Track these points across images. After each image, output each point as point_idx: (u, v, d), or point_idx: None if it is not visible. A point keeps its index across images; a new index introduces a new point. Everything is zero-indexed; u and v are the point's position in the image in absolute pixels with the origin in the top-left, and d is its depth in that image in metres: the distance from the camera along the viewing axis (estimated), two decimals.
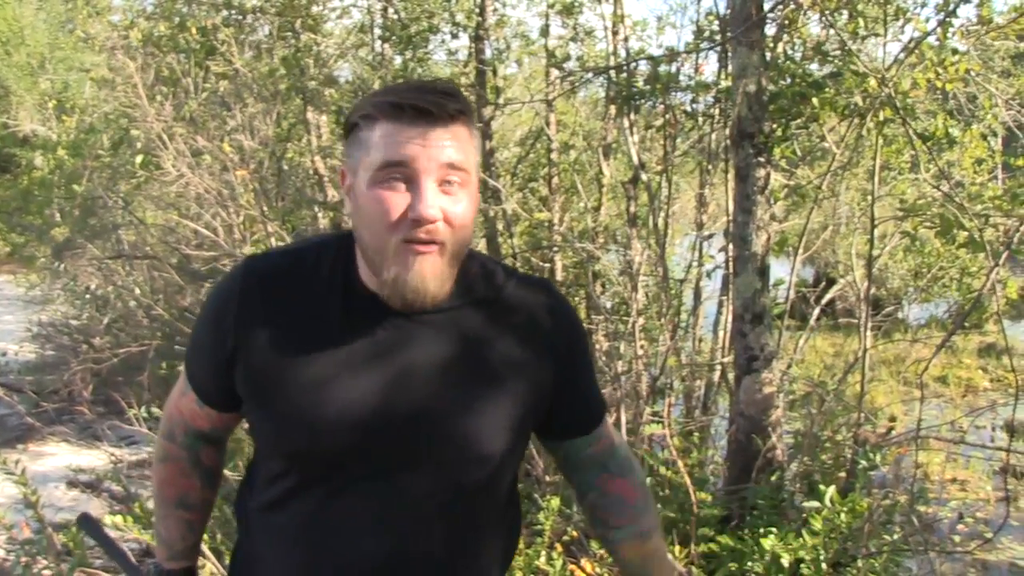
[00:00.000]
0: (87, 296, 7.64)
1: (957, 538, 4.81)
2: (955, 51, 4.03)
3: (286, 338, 1.26)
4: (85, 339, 7.17)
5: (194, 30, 5.99)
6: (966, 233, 3.82)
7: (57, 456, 5.46)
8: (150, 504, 3.94)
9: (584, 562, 3.42)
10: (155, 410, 4.48)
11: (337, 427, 1.23)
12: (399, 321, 1.26)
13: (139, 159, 5.66)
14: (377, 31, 7.28)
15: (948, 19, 3.98)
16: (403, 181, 1.17)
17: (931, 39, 4.08)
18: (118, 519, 3.08)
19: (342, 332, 1.26)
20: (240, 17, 6.78)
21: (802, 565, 3.20)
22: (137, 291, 6.82)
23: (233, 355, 1.28)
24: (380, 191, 1.18)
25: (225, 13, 6.63)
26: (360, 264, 1.28)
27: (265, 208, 5.69)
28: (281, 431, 1.26)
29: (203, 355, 1.35)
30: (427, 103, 1.16)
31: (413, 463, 1.25)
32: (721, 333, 5.65)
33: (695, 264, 5.89)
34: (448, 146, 1.18)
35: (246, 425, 1.44)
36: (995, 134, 6.25)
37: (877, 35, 4.28)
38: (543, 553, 3.24)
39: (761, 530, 3.42)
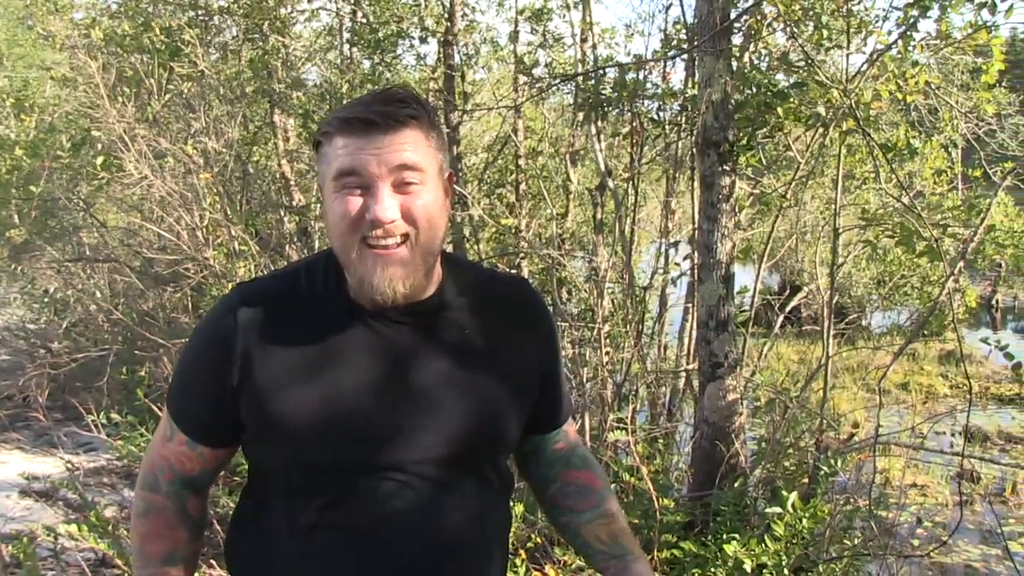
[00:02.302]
0: (45, 299, 7.51)
1: (916, 542, 4.89)
2: (915, 63, 4.08)
3: (291, 360, 1.28)
4: (42, 343, 7.05)
5: (158, 30, 5.91)
6: (926, 242, 3.88)
7: (9, 464, 5.32)
8: (107, 513, 3.88)
9: (548, 569, 3.42)
10: (114, 416, 4.41)
11: (354, 436, 1.27)
12: (394, 326, 1.30)
13: (100, 160, 5.56)
14: (346, 35, 7.25)
15: (909, 32, 4.03)
16: (359, 188, 1.22)
17: (892, 51, 4.13)
18: (73, 528, 3.02)
19: (343, 345, 1.29)
20: (206, 18, 6.71)
21: (764, 570, 3.22)
22: (97, 295, 6.72)
23: (239, 386, 1.28)
24: (338, 199, 1.23)
25: (191, 13, 6.56)
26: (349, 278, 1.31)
27: (229, 211, 5.63)
28: (299, 451, 1.27)
29: (199, 390, 1.34)
30: (373, 114, 1.22)
31: (427, 459, 1.29)
32: (686, 340, 5.69)
33: (661, 271, 5.92)
34: (398, 149, 1.22)
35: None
36: (955, 145, 6.36)
37: (840, 47, 4.34)
38: None
39: (724, 536, 3.44)
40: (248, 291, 1.34)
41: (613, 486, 4.01)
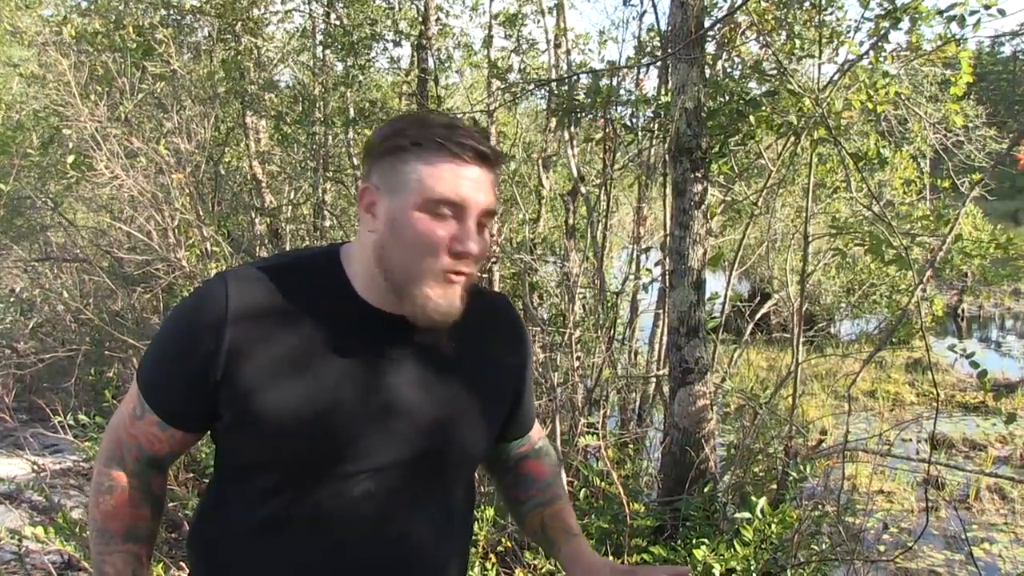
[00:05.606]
0: (11, 299, 7.41)
1: (882, 547, 4.94)
2: (886, 74, 4.14)
3: (280, 356, 1.25)
4: (8, 343, 6.96)
5: (131, 28, 5.86)
6: (895, 251, 3.93)
7: None
8: (74, 514, 3.83)
9: (518, 572, 3.42)
10: (82, 417, 4.35)
11: (327, 437, 1.26)
12: (389, 334, 1.31)
13: (71, 159, 5.50)
14: (319, 37, 7.22)
15: (880, 43, 4.09)
16: (452, 217, 1.24)
17: (864, 62, 4.19)
18: (39, 531, 2.98)
19: (334, 344, 1.28)
20: (179, 17, 6.66)
21: (733, 575, 3.24)
22: (65, 294, 6.63)
23: (223, 376, 1.24)
24: (430, 221, 1.23)
25: (163, 12, 6.50)
26: (357, 279, 1.31)
27: (201, 212, 5.58)
28: (272, 447, 1.26)
29: (177, 376, 1.29)
30: (486, 148, 1.25)
31: (393, 464, 1.30)
32: (657, 346, 5.71)
33: (632, 277, 5.94)
34: (490, 191, 1.27)
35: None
36: (924, 156, 6.45)
37: (812, 56, 4.38)
38: (477, 563, 3.23)
39: (694, 541, 3.46)
40: (240, 279, 1.27)
41: (583, 491, 4.03)
